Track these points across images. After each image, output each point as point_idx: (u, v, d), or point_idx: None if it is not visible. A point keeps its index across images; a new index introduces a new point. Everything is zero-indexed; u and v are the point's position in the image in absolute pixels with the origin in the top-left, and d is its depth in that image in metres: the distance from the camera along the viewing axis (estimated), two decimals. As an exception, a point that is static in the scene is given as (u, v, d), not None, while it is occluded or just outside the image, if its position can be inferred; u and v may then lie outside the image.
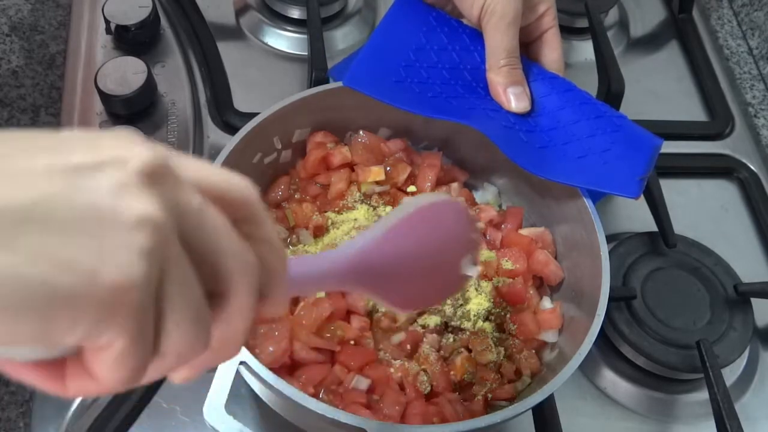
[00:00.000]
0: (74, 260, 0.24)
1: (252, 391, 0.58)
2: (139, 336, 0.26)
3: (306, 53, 0.82)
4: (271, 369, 0.48)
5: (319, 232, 0.63)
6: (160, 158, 0.27)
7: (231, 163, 0.57)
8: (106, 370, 0.27)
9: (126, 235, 0.25)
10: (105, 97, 0.73)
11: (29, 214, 0.24)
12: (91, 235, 0.25)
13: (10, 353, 0.27)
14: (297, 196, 0.65)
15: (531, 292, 0.62)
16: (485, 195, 0.70)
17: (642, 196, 0.62)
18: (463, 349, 0.59)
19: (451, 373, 0.58)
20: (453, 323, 0.60)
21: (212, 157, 0.58)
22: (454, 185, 0.68)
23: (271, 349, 0.53)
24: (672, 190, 0.75)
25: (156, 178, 0.26)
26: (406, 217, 0.43)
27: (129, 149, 0.27)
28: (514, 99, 0.62)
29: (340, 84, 0.63)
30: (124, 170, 0.26)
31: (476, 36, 0.64)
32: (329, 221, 0.63)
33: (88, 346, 0.26)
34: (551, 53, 0.65)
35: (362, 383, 0.55)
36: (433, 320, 0.59)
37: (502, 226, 0.66)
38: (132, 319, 0.26)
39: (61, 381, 0.28)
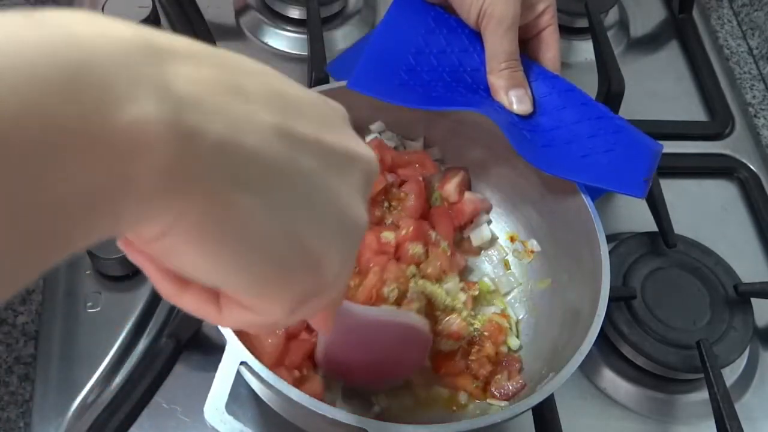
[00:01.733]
0: (309, 248, 0.28)
1: (252, 391, 0.58)
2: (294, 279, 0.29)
3: (306, 53, 0.82)
4: (271, 368, 0.48)
5: None
6: (377, 165, 0.32)
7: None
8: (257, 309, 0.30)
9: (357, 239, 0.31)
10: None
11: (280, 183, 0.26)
12: (334, 232, 0.29)
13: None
14: None
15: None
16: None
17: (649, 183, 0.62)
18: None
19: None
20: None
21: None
22: (453, 182, 0.68)
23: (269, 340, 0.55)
24: (672, 190, 0.75)
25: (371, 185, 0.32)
26: (379, 320, 0.55)
27: (362, 147, 0.31)
28: (516, 101, 0.62)
29: (340, 84, 0.63)
30: (367, 176, 0.31)
31: (475, 37, 0.64)
32: None
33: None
34: (548, 52, 0.65)
35: None
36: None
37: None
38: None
39: (217, 308, 0.31)
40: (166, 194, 0.23)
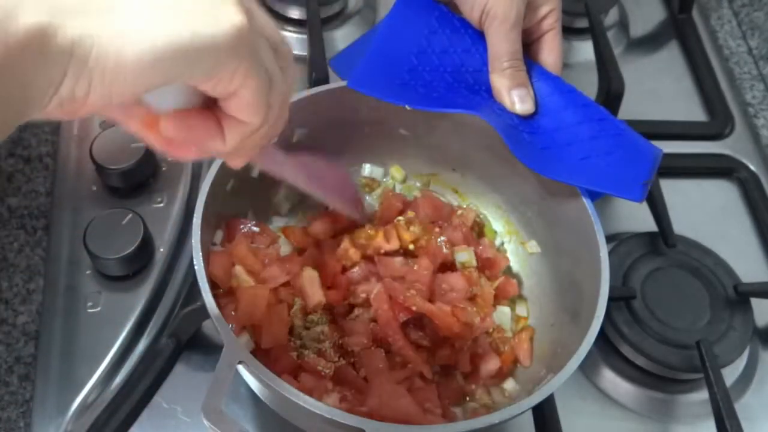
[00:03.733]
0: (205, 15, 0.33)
1: (250, 390, 0.58)
2: (262, 74, 0.37)
3: (306, 53, 0.82)
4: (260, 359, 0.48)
5: None
6: None
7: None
8: (246, 111, 0.37)
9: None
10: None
11: None
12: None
13: (161, 101, 0.37)
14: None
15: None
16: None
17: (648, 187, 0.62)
18: None
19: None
20: None
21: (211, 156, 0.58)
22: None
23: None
24: (672, 190, 0.75)
25: None
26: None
27: None
28: (518, 101, 0.62)
29: (340, 84, 0.63)
30: None
31: (478, 37, 0.64)
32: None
33: (224, 94, 0.36)
34: (549, 56, 0.64)
35: None
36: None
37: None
38: (253, 58, 0.36)
39: (218, 129, 0.38)
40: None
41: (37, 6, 0.29)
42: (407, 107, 0.62)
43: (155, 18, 0.32)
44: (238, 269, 0.59)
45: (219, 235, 0.61)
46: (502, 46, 0.61)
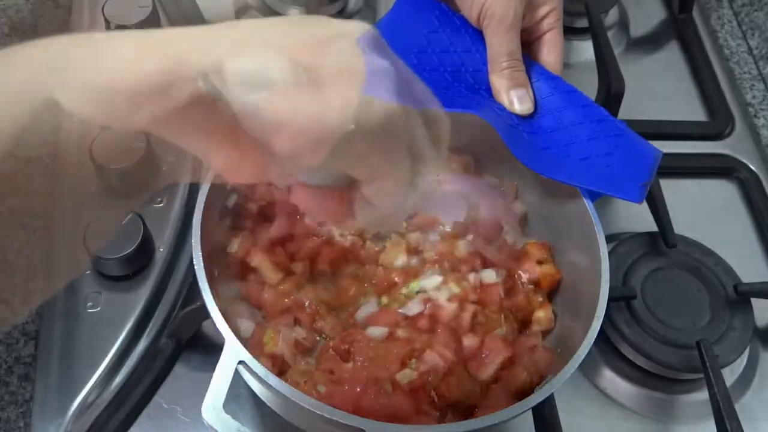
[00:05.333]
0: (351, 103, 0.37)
1: (251, 390, 0.58)
2: (405, 161, 0.39)
3: (306, 53, 0.82)
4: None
5: None
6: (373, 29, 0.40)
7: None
8: (382, 199, 0.40)
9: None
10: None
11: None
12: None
13: (311, 178, 0.42)
14: None
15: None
16: None
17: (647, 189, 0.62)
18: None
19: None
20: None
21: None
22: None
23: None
24: (672, 190, 0.75)
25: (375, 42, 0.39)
26: None
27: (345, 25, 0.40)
28: (517, 101, 0.62)
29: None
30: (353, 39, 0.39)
31: (478, 36, 0.64)
32: None
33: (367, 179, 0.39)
34: (549, 55, 0.64)
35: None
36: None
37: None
38: (395, 147, 0.38)
39: (347, 214, 0.42)
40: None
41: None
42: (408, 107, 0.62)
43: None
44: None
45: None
46: (500, 46, 0.61)
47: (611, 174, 0.60)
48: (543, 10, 0.63)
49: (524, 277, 0.63)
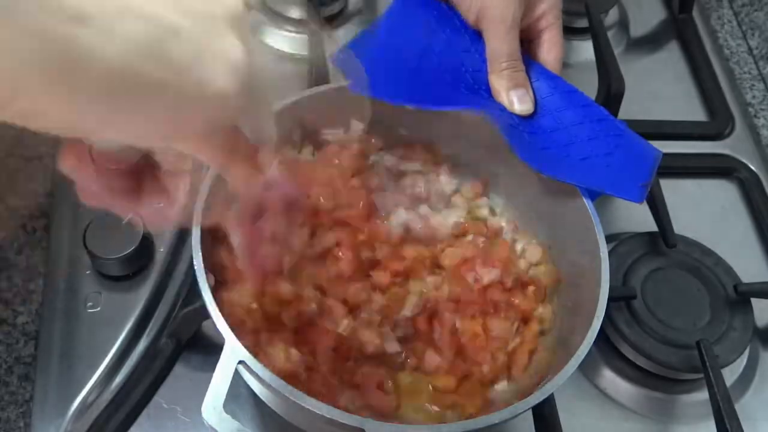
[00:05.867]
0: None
1: (251, 390, 0.58)
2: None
3: (306, 53, 0.82)
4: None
5: None
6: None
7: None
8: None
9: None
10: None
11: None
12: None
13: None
14: None
15: None
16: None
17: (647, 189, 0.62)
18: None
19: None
20: None
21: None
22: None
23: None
24: (672, 190, 0.75)
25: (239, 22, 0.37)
26: None
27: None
28: (517, 101, 0.62)
29: (340, 84, 0.63)
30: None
31: (478, 37, 0.64)
32: None
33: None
34: (548, 54, 0.64)
35: None
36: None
37: None
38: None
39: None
40: None
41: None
42: (408, 107, 0.62)
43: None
44: None
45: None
46: (499, 47, 0.61)
47: (611, 174, 0.60)
48: (540, 9, 0.63)
49: (524, 277, 0.63)
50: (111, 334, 0.63)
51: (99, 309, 0.64)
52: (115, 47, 0.29)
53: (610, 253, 0.58)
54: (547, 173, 0.60)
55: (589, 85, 0.78)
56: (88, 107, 0.30)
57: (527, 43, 0.65)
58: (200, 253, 0.53)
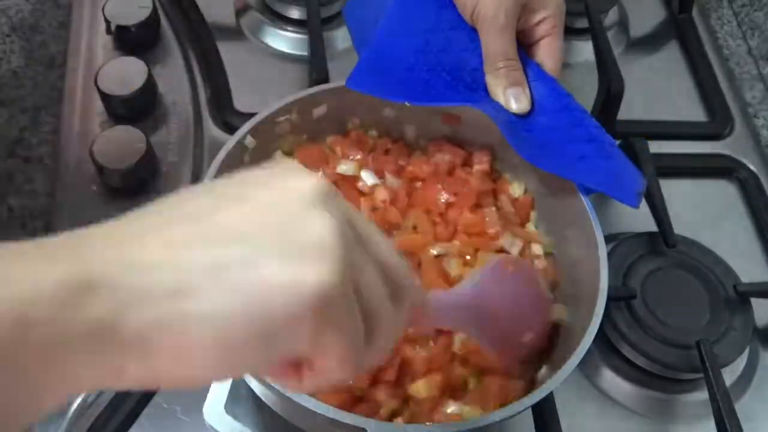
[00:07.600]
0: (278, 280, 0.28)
1: (252, 391, 0.58)
2: (353, 331, 0.31)
3: (306, 53, 0.82)
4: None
5: None
6: (327, 184, 0.32)
7: (229, 163, 0.57)
8: (330, 373, 0.32)
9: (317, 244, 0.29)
10: (105, 98, 0.73)
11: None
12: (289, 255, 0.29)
13: None
14: None
15: None
16: None
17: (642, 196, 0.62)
18: None
19: None
20: None
21: (212, 156, 0.58)
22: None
23: None
24: (672, 190, 0.75)
25: (330, 197, 0.31)
26: (491, 269, 0.54)
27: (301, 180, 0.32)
28: (513, 100, 0.62)
29: (339, 84, 0.63)
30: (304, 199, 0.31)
31: (476, 35, 0.64)
32: None
33: (313, 353, 0.31)
34: (547, 61, 0.63)
35: None
36: None
37: None
38: (342, 317, 0.30)
39: (296, 378, 0.33)
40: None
41: (105, 297, 0.27)
42: (407, 104, 0.62)
43: (224, 297, 0.28)
44: None
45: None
46: (495, 46, 0.61)
47: (611, 175, 0.60)
48: (538, 16, 0.62)
49: None
50: (111, 334, 0.62)
51: (99, 309, 0.64)
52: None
53: (609, 253, 0.58)
54: (545, 167, 0.60)
55: (589, 85, 0.78)
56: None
57: (526, 47, 0.65)
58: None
